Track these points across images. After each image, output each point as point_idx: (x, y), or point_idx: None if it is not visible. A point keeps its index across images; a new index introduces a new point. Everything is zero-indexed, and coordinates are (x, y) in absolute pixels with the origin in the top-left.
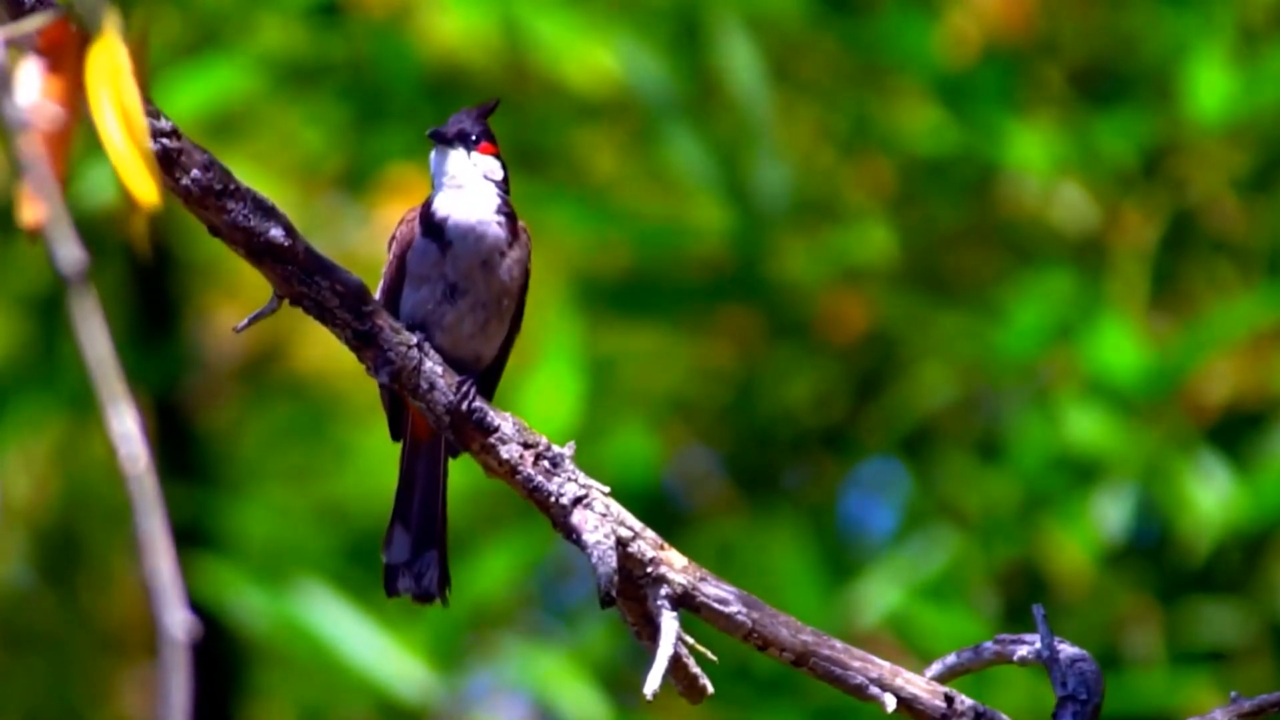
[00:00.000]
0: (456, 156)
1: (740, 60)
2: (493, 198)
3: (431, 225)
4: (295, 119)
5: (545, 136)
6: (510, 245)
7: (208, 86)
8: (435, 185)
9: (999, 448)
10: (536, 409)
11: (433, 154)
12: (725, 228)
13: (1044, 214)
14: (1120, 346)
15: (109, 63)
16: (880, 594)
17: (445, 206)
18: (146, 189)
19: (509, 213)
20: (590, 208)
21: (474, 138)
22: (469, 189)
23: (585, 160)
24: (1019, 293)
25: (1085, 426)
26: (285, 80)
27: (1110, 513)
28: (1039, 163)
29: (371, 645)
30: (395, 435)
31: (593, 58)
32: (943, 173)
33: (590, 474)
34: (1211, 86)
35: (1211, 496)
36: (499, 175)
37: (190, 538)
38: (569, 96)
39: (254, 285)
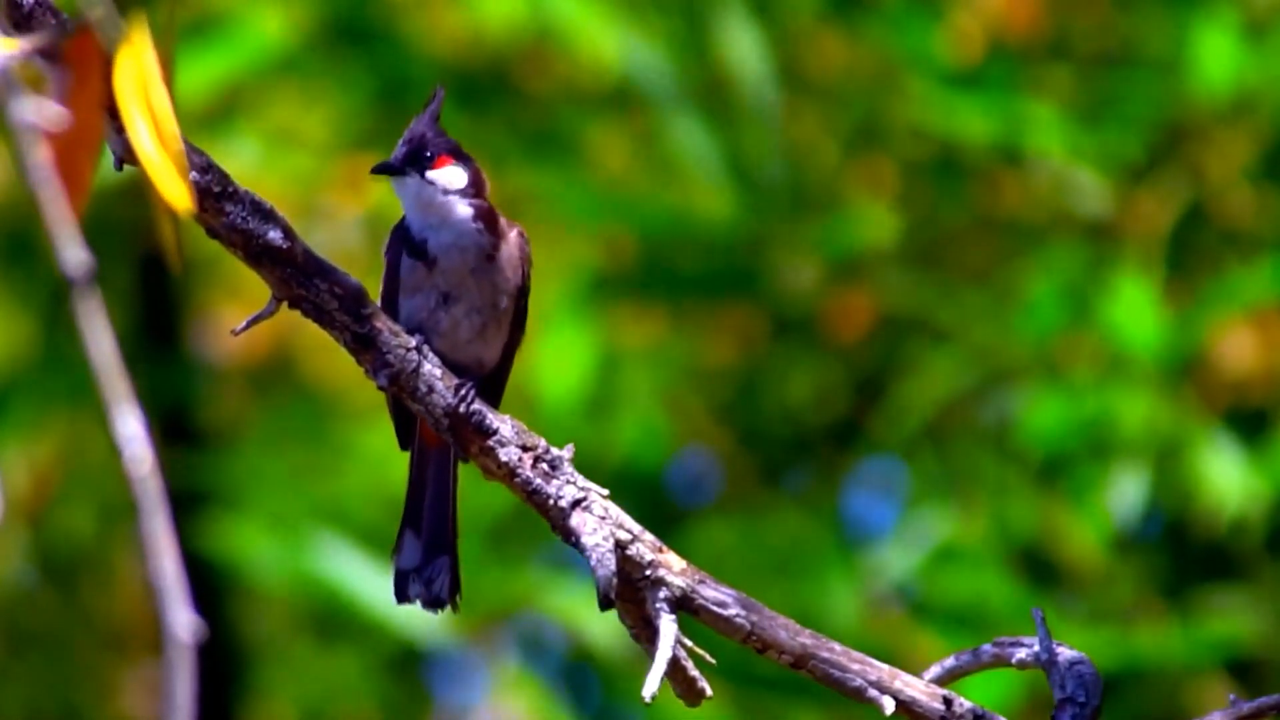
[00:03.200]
0: (411, 184)
1: (745, 47)
2: (464, 207)
3: (413, 247)
4: (300, 108)
5: (560, 124)
6: (496, 247)
7: (215, 69)
8: (405, 209)
9: (1013, 429)
10: (547, 378)
11: (392, 183)
12: (729, 215)
13: (1056, 200)
14: (1139, 314)
15: (137, 70)
16: (896, 560)
17: (421, 229)
18: (180, 196)
19: (488, 214)
20: (597, 197)
21: (428, 154)
22: (435, 208)
23: (597, 149)
24: (1033, 274)
25: (1102, 402)
26: (296, 65)
27: (1126, 493)
28: (1052, 147)
29: (381, 588)
30: (403, 444)
31: (605, 44)
32: (953, 160)
33: (599, 457)
34: (1218, 60)
35: (1228, 476)
36: (462, 181)
37: (203, 497)
38: (584, 83)
39: (256, 285)
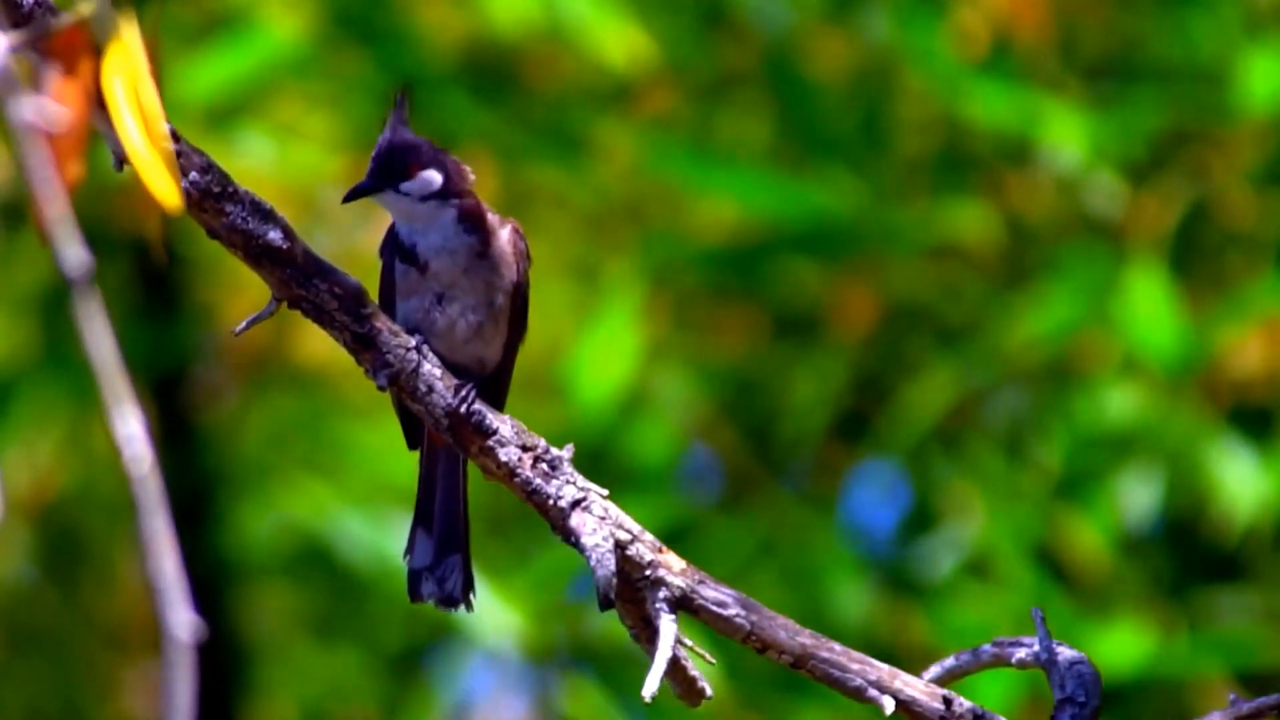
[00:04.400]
0: (388, 199)
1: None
2: (447, 209)
3: (404, 252)
4: (309, 106)
5: (569, 118)
6: (487, 244)
7: (227, 69)
8: (391, 216)
9: (1023, 431)
10: (593, 366)
11: (373, 199)
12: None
13: (1066, 198)
14: (1156, 318)
15: (126, 65)
16: (925, 567)
17: (409, 235)
18: (168, 191)
19: (473, 212)
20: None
21: (399, 169)
22: (418, 215)
23: (608, 143)
24: (1045, 274)
25: (1117, 405)
26: (307, 63)
27: (1138, 496)
28: (1067, 143)
29: (385, 559)
30: (411, 444)
31: (625, 36)
32: (961, 156)
33: (629, 456)
34: (1267, 75)
35: (1241, 480)
36: (438, 183)
37: (211, 478)
38: (598, 76)
39: (258, 281)
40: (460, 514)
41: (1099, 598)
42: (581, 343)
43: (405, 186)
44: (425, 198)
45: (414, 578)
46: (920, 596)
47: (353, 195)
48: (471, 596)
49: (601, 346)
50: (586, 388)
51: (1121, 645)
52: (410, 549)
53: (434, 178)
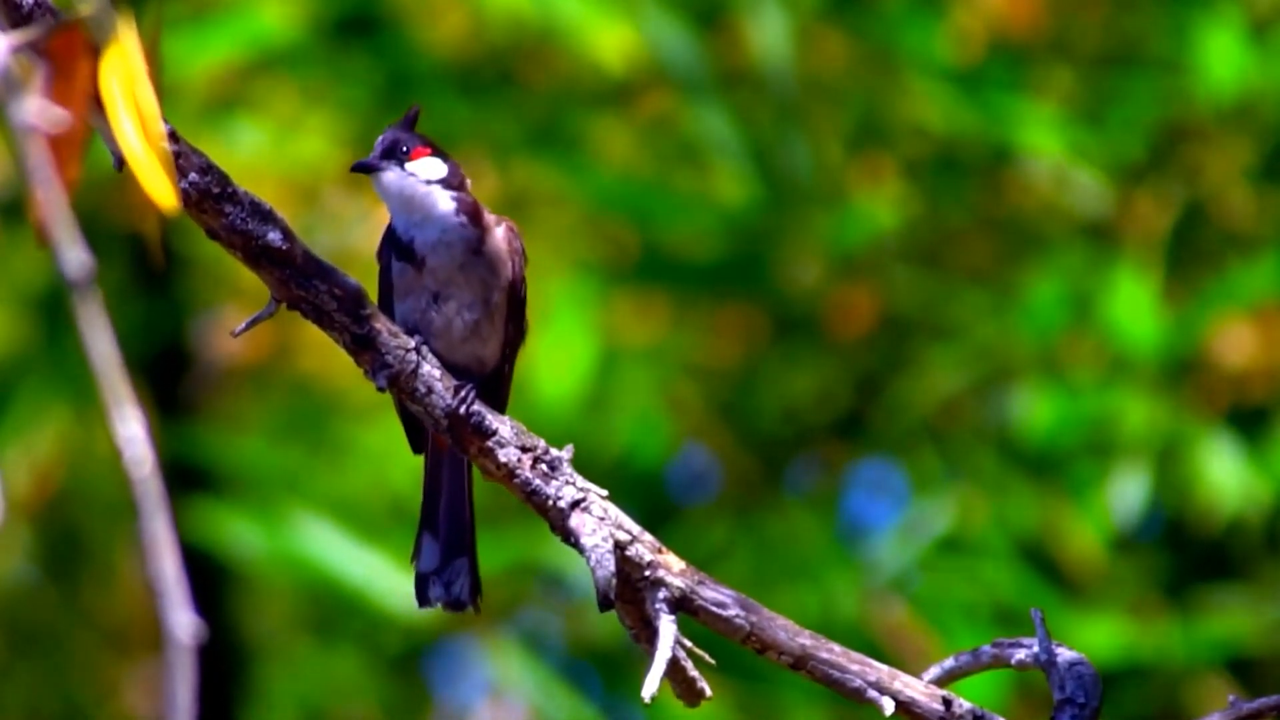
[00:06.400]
0: (391, 177)
1: (771, 33)
2: (447, 200)
3: (401, 248)
4: (304, 101)
5: (563, 117)
6: (483, 240)
7: (215, 56)
8: (389, 209)
9: (1013, 427)
10: (547, 370)
11: (372, 182)
12: (745, 202)
13: (1055, 200)
14: (1139, 313)
15: (124, 67)
16: (898, 553)
17: (406, 228)
18: (165, 192)
19: (471, 207)
20: (610, 185)
21: (404, 149)
22: (418, 202)
23: (600, 142)
24: (1035, 273)
25: (1103, 401)
26: (300, 57)
27: (1126, 491)
28: (1052, 147)
29: (369, 568)
30: (416, 448)
31: (619, 36)
32: (954, 160)
33: (597, 455)
34: (1225, 58)
35: (1227, 475)
36: (442, 171)
37: (186, 479)
38: (592, 76)
39: (257, 283)
40: (466, 517)
41: (1091, 593)
42: (537, 345)
43: (410, 166)
44: (429, 182)
45: (421, 582)
46: (905, 590)
47: (360, 168)
48: (479, 600)
49: (557, 349)
50: (545, 389)
51: (1106, 634)
52: (417, 553)
53: (439, 164)
